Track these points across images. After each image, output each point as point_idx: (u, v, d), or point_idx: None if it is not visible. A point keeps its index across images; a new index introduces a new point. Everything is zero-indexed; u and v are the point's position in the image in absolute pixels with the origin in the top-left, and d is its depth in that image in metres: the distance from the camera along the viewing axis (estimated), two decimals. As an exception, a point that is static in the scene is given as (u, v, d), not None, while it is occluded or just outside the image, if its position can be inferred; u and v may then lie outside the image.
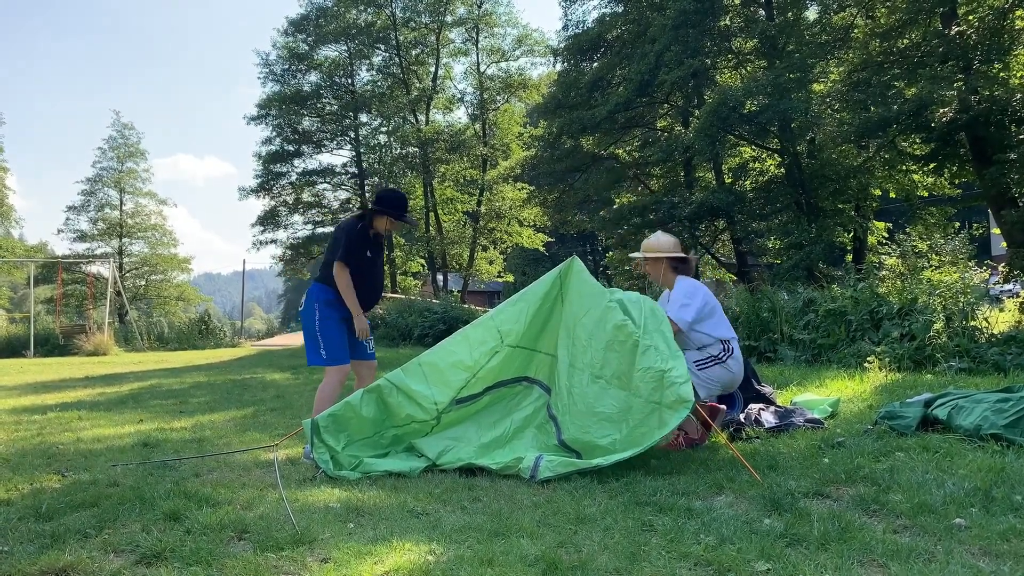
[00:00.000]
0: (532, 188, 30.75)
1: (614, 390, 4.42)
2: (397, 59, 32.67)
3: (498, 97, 33.81)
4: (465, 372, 4.78)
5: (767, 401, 5.91)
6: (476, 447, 4.59)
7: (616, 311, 4.56)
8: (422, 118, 32.73)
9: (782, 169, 19.72)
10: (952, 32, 13.63)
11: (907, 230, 18.70)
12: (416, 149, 31.69)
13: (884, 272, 10.72)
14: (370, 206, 5.16)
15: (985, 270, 11.26)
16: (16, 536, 3.20)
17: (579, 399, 4.55)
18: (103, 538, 3.17)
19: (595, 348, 4.55)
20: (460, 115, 35.44)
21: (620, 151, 25.83)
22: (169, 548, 2.97)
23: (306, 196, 34.59)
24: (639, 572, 2.67)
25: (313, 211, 34.75)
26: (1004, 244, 14.15)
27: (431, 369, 4.78)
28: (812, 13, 18.73)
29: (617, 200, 25.89)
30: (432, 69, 33.44)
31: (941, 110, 13.37)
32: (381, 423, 4.67)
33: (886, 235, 19.93)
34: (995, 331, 8.27)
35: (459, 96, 34.71)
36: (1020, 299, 10.65)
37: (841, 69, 17.27)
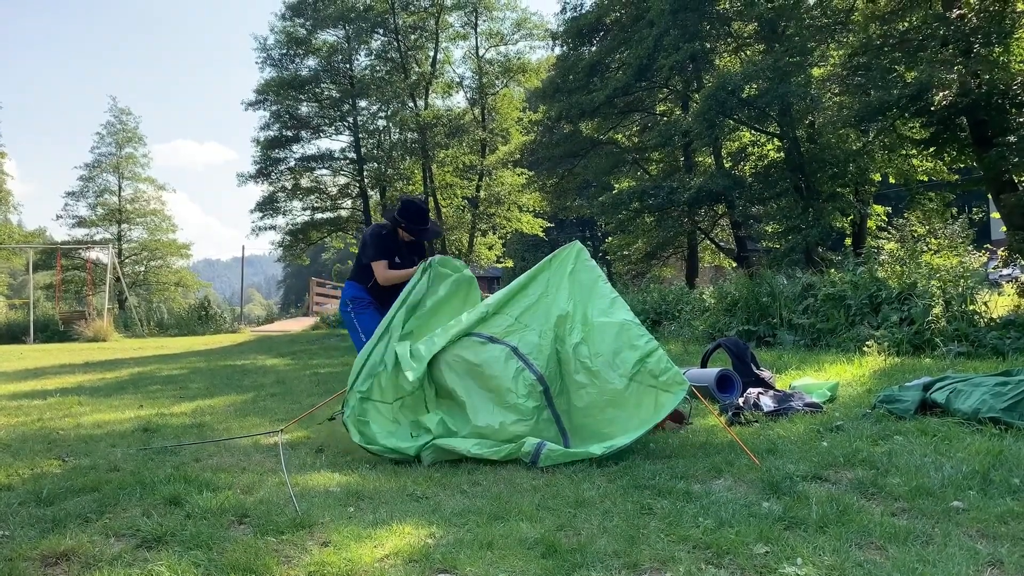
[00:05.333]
0: (531, 173, 30.62)
1: (612, 373, 4.42)
2: (396, 44, 32.42)
3: (497, 81, 33.58)
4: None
5: (766, 385, 5.92)
6: (470, 430, 4.46)
7: (622, 302, 4.62)
8: (421, 103, 32.50)
9: (781, 153, 19.68)
10: (953, 15, 13.55)
11: (906, 215, 18.70)
12: (415, 134, 31.53)
13: (883, 257, 10.71)
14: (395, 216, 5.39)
15: (984, 254, 11.27)
16: (17, 521, 3.21)
17: (572, 386, 4.55)
18: (104, 522, 3.18)
19: (593, 333, 4.56)
20: (459, 100, 35.25)
21: (619, 136, 25.74)
22: (169, 532, 2.99)
23: (305, 182, 34.40)
24: (638, 555, 2.68)
25: (312, 197, 34.58)
26: (1003, 228, 14.13)
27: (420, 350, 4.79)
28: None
29: (616, 185, 25.86)
30: (431, 53, 33.19)
31: (941, 94, 13.32)
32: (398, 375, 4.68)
33: (885, 219, 19.94)
34: (994, 315, 8.28)
35: (458, 80, 34.48)
36: (1019, 283, 10.66)
37: (841, 52, 17.18)
